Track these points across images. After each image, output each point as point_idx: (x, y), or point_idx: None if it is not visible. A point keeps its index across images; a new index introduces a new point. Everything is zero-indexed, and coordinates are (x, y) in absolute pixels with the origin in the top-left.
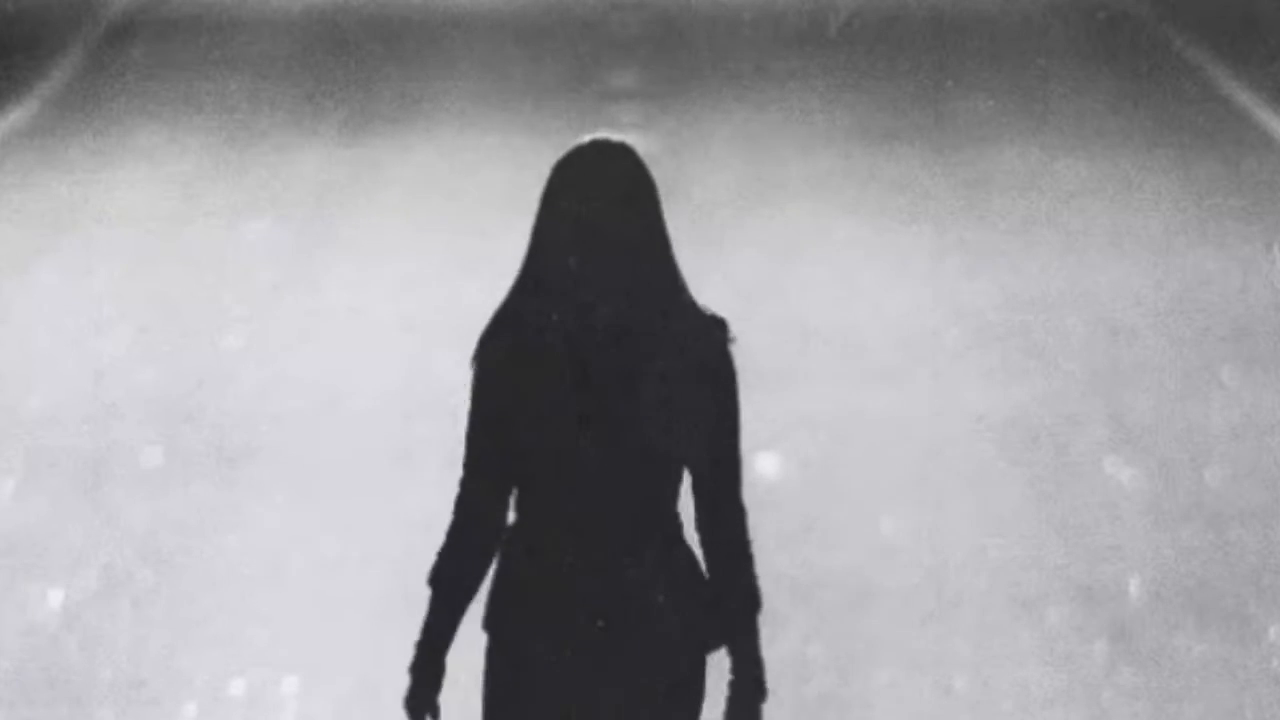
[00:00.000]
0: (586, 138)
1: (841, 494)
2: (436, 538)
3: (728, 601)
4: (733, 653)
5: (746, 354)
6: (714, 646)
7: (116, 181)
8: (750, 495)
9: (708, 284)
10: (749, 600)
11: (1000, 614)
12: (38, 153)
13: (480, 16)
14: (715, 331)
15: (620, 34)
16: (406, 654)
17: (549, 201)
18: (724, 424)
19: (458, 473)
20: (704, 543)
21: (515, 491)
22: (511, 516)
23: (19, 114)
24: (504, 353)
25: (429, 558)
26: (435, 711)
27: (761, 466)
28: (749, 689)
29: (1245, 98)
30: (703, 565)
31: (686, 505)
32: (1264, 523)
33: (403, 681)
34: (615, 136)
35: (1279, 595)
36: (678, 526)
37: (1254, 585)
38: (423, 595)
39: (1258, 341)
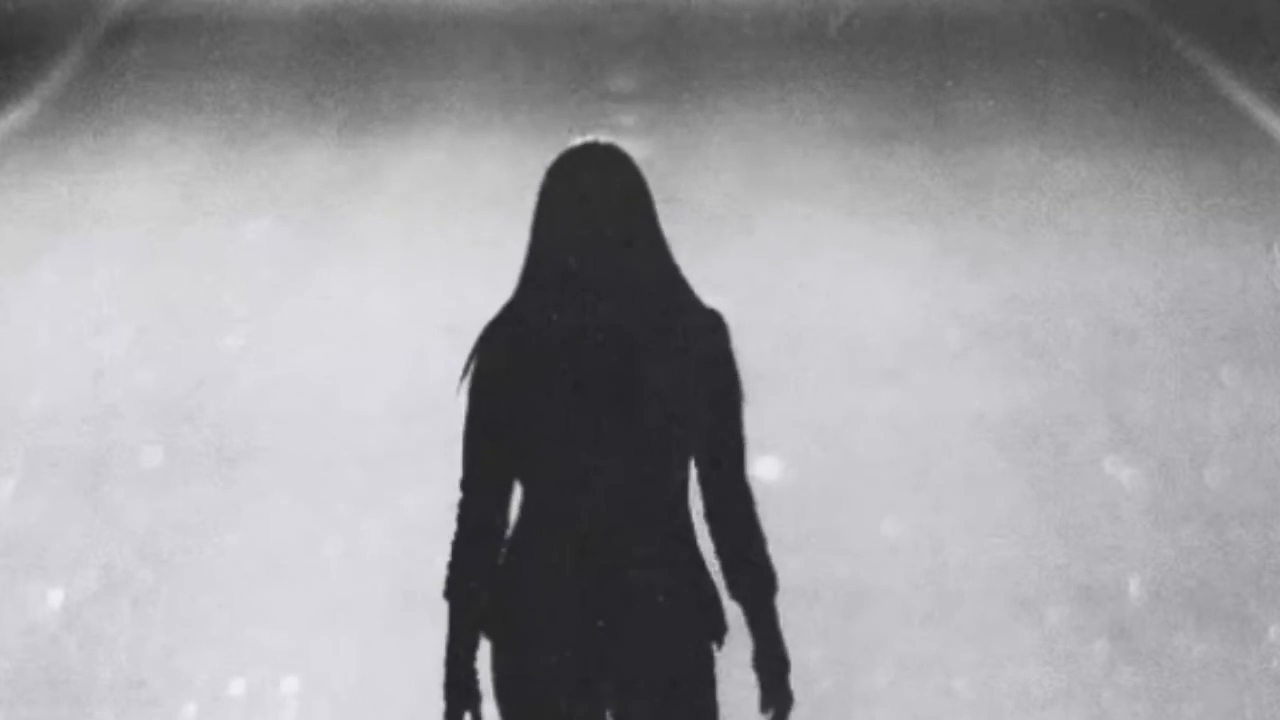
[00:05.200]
0: (579, 140)
1: (841, 495)
2: (437, 537)
3: (743, 584)
4: (754, 635)
5: (746, 356)
6: (723, 633)
7: (116, 181)
8: None
9: (708, 285)
10: (765, 581)
11: (1000, 614)
12: (38, 153)
13: (480, 16)
14: (716, 328)
15: (620, 34)
16: (406, 654)
17: (545, 203)
18: (726, 421)
19: (457, 475)
20: (714, 530)
21: (517, 492)
22: (513, 516)
23: (19, 114)
24: (503, 353)
25: (429, 558)
26: None
27: (761, 468)
28: (775, 667)
29: (1245, 98)
30: (712, 555)
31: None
32: (1264, 523)
33: (402, 681)
34: (604, 138)
35: (1279, 595)
36: (682, 525)
37: (1254, 585)
38: (422, 595)
39: (1258, 341)
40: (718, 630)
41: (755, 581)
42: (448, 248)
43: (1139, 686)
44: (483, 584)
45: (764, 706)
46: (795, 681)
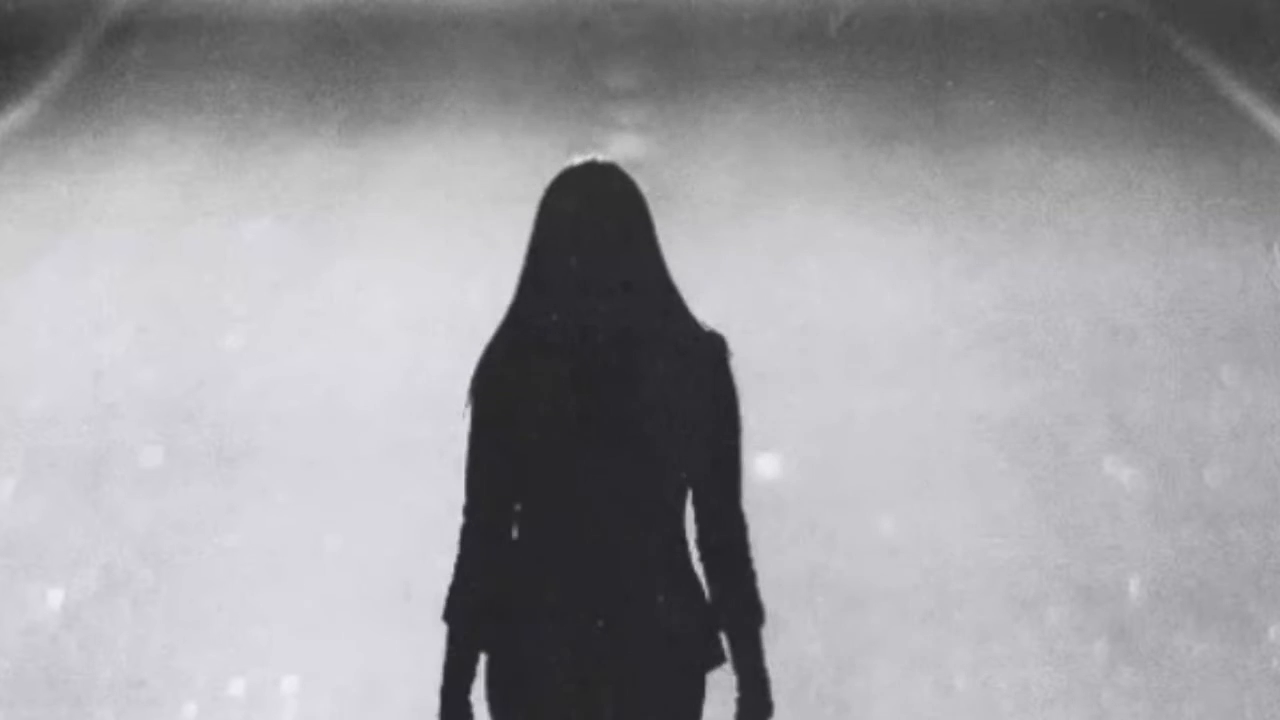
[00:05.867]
0: (578, 159)
1: (841, 494)
2: (436, 537)
3: (729, 615)
4: (738, 669)
5: (746, 355)
6: (715, 663)
7: (116, 181)
8: (750, 496)
9: (708, 284)
10: (751, 613)
11: (1000, 614)
12: (38, 153)
13: (480, 16)
14: (713, 336)
15: (620, 34)
16: (406, 654)
17: (543, 219)
18: (724, 427)
19: (457, 474)
20: (704, 555)
21: (517, 501)
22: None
23: (19, 114)
24: (504, 355)
25: (429, 557)
26: None
27: (761, 467)
28: (756, 708)
29: (1245, 98)
30: (702, 577)
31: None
32: (1264, 523)
33: (402, 681)
34: (602, 158)
35: (1279, 595)
36: (679, 527)
37: (1254, 585)
38: (422, 595)
39: (1258, 341)
40: (712, 648)
41: (741, 616)
42: (448, 248)
43: (1139, 686)
44: (484, 606)
45: None
46: (794, 679)
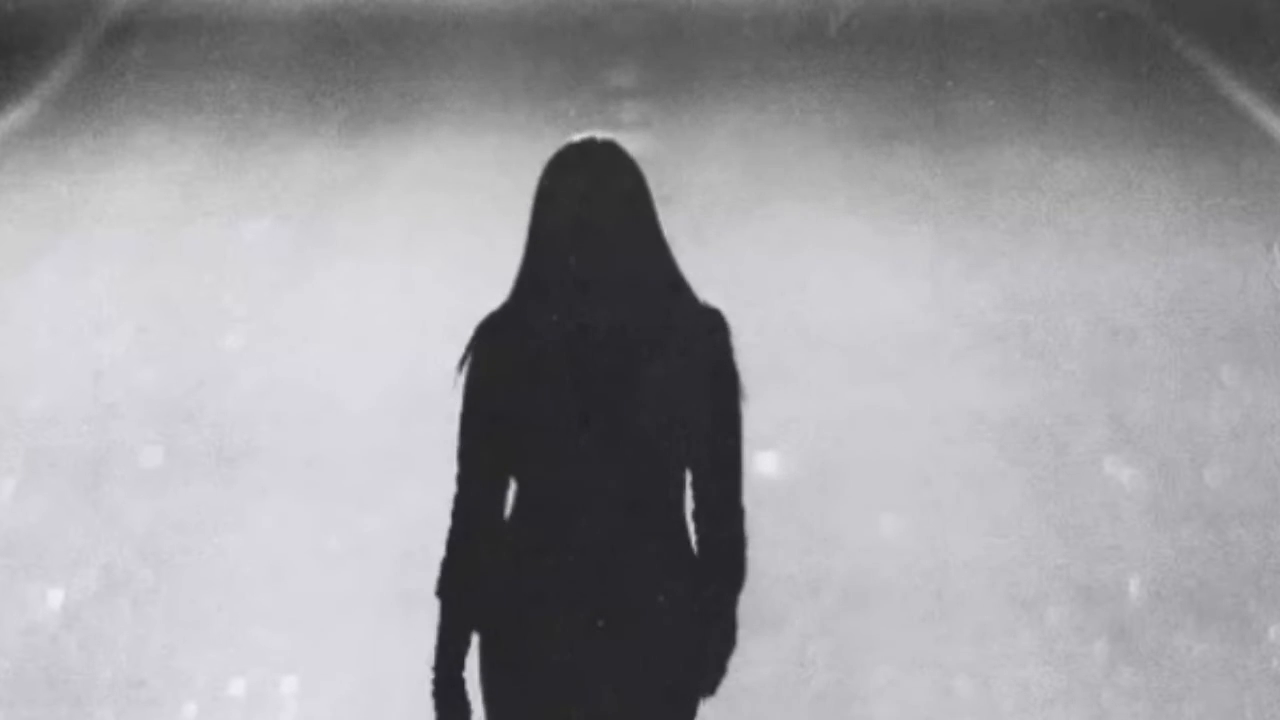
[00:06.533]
0: (576, 136)
1: (841, 494)
2: (436, 537)
3: (714, 583)
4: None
5: (746, 354)
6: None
7: (116, 181)
8: (750, 495)
9: (708, 284)
10: (734, 581)
11: (1000, 614)
12: (38, 153)
13: (480, 16)
14: (716, 329)
15: (621, 33)
16: (406, 654)
17: (543, 202)
18: (724, 424)
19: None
20: (700, 538)
21: (514, 490)
22: (510, 514)
23: (19, 114)
24: (502, 352)
25: (429, 557)
26: None
27: (761, 466)
28: (719, 641)
29: (1245, 98)
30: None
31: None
32: (1264, 523)
33: (402, 681)
34: (602, 135)
35: (1279, 595)
36: (679, 525)
37: (1254, 585)
38: (422, 595)
39: (1258, 341)
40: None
41: (724, 581)
42: (448, 248)
43: (1139, 686)
44: (477, 582)
45: None
46: (794, 678)
